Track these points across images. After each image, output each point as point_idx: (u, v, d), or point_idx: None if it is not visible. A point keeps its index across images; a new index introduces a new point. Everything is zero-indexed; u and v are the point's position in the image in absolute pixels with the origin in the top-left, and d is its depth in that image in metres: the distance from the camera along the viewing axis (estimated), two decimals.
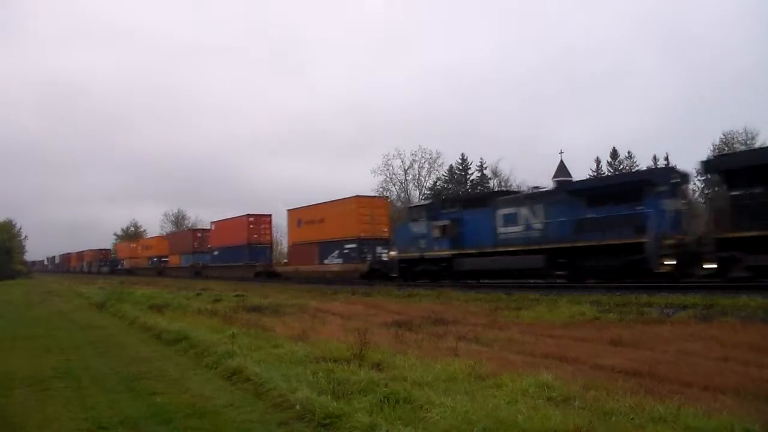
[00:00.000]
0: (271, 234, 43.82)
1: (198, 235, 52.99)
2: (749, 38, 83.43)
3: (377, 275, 28.01)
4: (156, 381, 7.35)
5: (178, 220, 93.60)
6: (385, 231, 30.57)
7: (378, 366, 6.94)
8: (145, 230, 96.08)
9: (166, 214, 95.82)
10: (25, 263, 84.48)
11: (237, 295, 21.27)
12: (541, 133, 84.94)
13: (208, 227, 51.80)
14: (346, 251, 30.41)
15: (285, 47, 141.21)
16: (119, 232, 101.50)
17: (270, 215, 43.41)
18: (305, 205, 35.54)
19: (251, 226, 41.26)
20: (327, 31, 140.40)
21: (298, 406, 5.47)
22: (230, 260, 42.70)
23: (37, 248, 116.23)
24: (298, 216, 35.52)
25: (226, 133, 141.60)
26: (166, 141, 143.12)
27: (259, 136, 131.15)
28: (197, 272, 48.26)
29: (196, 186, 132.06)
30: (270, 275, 37.89)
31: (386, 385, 5.77)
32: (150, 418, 5.60)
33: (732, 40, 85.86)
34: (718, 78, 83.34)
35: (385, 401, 5.29)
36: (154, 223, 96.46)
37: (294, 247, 36.45)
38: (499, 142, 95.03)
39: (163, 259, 59.20)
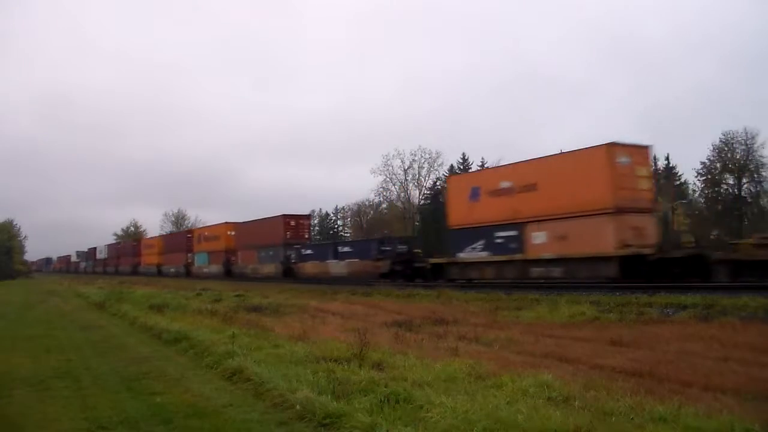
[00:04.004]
0: None
1: None
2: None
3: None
4: (156, 381, 7.34)
5: (178, 220, 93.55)
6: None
7: (378, 366, 6.94)
8: (145, 230, 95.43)
9: (166, 214, 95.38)
10: (25, 263, 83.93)
11: (237, 295, 21.28)
12: (542, 134, 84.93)
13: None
14: None
15: (281, 52, 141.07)
16: (119, 232, 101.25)
17: None
18: None
19: None
20: (319, 33, 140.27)
21: (298, 406, 5.47)
22: None
23: (36, 248, 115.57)
24: None
25: (223, 137, 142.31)
26: (162, 147, 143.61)
27: (254, 142, 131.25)
28: None
29: (191, 189, 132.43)
30: None
31: (386, 385, 5.77)
32: (150, 418, 5.60)
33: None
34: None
35: (385, 401, 5.28)
36: (153, 223, 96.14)
37: None
38: (498, 143, 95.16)
39: None
